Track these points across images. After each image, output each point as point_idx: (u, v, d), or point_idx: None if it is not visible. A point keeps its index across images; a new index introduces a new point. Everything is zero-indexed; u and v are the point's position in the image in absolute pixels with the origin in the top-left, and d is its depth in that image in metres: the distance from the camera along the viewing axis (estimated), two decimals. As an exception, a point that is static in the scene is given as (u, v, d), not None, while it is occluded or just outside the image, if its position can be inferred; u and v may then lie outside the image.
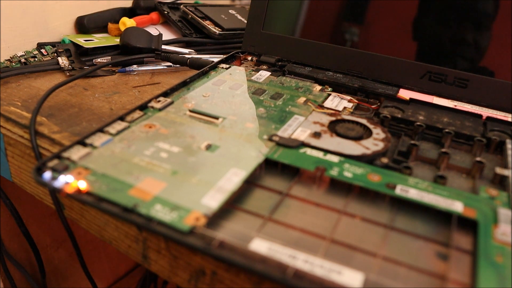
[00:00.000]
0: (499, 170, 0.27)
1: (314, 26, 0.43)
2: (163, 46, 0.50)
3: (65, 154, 0.26)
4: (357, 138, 0.30)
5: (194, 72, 0.39)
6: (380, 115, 0.33)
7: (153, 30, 0.56)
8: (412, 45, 0.39)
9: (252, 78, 0.39)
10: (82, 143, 0.28)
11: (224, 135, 0.30)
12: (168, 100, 0.33)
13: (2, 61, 0.46)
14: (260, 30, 0.44)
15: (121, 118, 0.30)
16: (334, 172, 0.26)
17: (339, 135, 0.30)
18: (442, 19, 0.38)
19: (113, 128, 0.29)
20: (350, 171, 0.26)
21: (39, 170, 0.25)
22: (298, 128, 0.31)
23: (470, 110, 0.35)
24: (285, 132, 0.30)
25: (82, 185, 0.24)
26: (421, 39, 0.39)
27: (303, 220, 0.23)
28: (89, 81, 0.44)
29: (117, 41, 0.51)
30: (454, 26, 0.37)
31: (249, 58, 0.44)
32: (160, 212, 0.22)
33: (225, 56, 0.43)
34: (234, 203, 0.24)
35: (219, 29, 0.55)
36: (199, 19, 0.55)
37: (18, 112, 0.36)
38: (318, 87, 0.38)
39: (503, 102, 0.35)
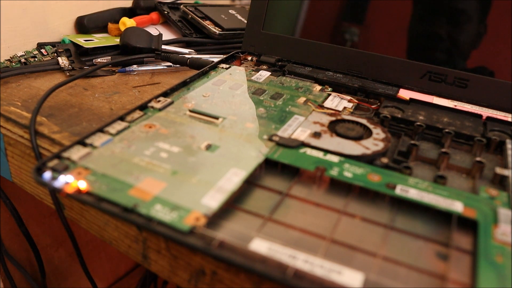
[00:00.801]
0: (499, 170, 0.27)
1: (314, 26, 0.43)
2: (163, 46, 0.50)
3: (65, 154, 0.26)
4: (357, 138, 0.30)
5: (194, 72, 0.39)
6: (380, 115, 0.33)
7: (153, 30, 0.56)
8: (412, 45, 0.39)
9: (252, 78, 0.39)
10: (82, 143, 0.28)
11: (224, 135, 0.30)
12: (168, 100, 0.33)
13: (2, 61, 0.46)
14: (260, 30, 0.44)
15: (121, 118, 0.30)
16: (334, 172, 0.26)
17: (339, 135, 0.30)
18: (442, 19, 0.38)
19: (113, 128, 0.29)
20: (350, 171, 0.26)
21: (39, 170, 0.25)
22: (298, 128, 0.31)
23: (470, 110, 0.35)
24: (285, 132, 0.30)
25: (82, 185, 0.24)
26: (421, 39, 0.39)
27: (303, 220, 0.23)
28: (89, 81, 0.44)
29: (117, 41, 0.51)
30: (454, 26, 0.37)
31: (249, 58, 0.44)
32: (160, 212, 0.22)
33: (225, 56, 0.43)
34: (234, 203, 0.24)
35: (219, 29, 0.55)
36: (199, 19, 0.55)
37: (18, 112, 0.36)
38: (318, 87, 0.38)
39: (503, 102, 0.35)
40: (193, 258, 0.24)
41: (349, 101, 0.36)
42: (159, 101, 0.33)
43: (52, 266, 0.64)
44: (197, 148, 0.28)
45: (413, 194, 0.25)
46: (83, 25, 0.53)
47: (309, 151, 0.28)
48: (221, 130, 0.30)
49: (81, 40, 0.49)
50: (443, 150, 0.29)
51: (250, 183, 0.26)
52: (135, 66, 0.48)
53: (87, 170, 0.25)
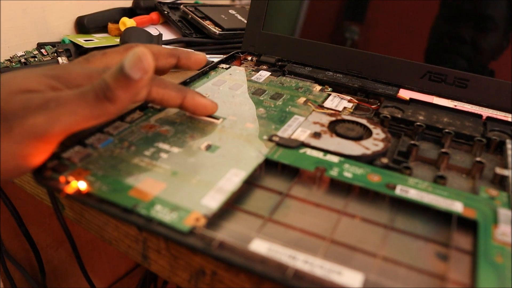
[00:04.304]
0: (499, 170, 0.27)
1: (314, 26, 0.43)
2: (163, 46, 0.50)
3: (65, 155, 0.26)
4: (357, 138, 0.30)
5: (194, 72, 0.39)
6: (380, 115, 0.33)
7: (153, 30, 0.56)
8: (412, 45, 0.39)
9: (252, 78, 0.39)
10: (82, 143, 0.28)
11: (224, 135, 0.30)
12: (168, 100, 0.33)
13: (2, 61, 0.46)
14: (260, 30, 0.44)
15: (121, 119, 0.30)
16: (334, 172, 0.26)
17: (339, 135, 0.30)
18: (442, 18, 0.38)
19: (113, 129, 0.29)
20: (350, 171, 0.26)
21: (39, 171, 0.25)
22: (298, 128, 0.31)
23: (470, 110, 0.35)
24: (285, 132, 0.30)
25: (82, 185, 0.24)
26: (421, 39, 0.39)
27: (303, 221, 0.23)
28: (89, 81, 0.44)
29: (117, 41, 0.51)
30: (454, 26, 0.37)
31: (249, 58, 0.44)
32: (160, 213, 0.22)
33: (225, 56, 0.43)
34: (234, 204, 0.24)
35: (219, 29, 0.55)
36: (199, 19, 0.55)
37: (18, 112, 0.36)
38: (318, 87, 0.38)
39: (503, 102, 0.35)
40: (193, 258, 0.24)
41: (349, 101, 0.36)
42: (159, 101, 0.33)
43: (52, 266, 0.64)
44: (197, 149, 0.28)
45: (413, 194, 0.25)
46: (83, 25, 0.53)
47: (309, 151, 0.28)
48: (221, 130, 0.30)
49: (81, 40, 0.49)
50: (443, 150, 0.29)
51: (250, 184, 0.26)
52: (135, 66, 0.47)
53: (87, 171, 0.25)
